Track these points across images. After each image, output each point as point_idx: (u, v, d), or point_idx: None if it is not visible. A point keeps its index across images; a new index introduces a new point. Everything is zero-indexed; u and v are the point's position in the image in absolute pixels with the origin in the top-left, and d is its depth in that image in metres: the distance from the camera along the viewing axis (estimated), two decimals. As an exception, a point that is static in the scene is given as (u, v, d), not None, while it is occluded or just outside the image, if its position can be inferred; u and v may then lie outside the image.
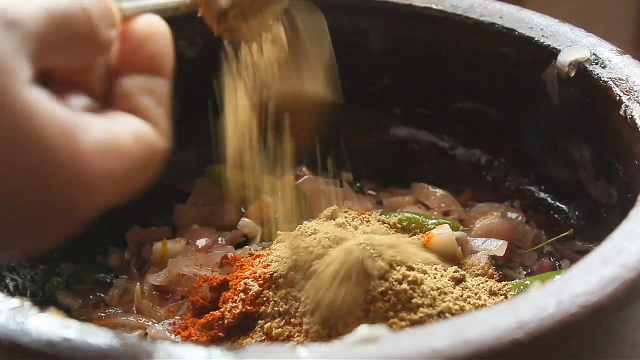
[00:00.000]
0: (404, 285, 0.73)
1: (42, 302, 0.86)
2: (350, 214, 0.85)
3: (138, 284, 0.87)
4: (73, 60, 0.54)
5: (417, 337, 0.54)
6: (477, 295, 0.78)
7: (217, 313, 0.78)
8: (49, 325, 0.56)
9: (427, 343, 0.53)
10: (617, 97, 0.79)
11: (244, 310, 0.76)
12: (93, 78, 0.56)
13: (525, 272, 0.87)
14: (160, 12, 0.66)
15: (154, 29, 0.59)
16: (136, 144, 0.53)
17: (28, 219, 0.50)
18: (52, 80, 0.53)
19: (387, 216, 0.87)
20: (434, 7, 0.93)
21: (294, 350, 0.54)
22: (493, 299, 0.79)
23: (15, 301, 0.58)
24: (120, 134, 0.53)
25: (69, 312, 0.85)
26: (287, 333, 0.73)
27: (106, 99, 0.56)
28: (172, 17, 0.93)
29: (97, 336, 0.55)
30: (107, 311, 0.85)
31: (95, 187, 0.51)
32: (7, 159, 0.48)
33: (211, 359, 0.54)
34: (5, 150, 0.48)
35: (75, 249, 0.91)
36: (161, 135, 0.57)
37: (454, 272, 0.80)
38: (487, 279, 0.82)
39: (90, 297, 0.87)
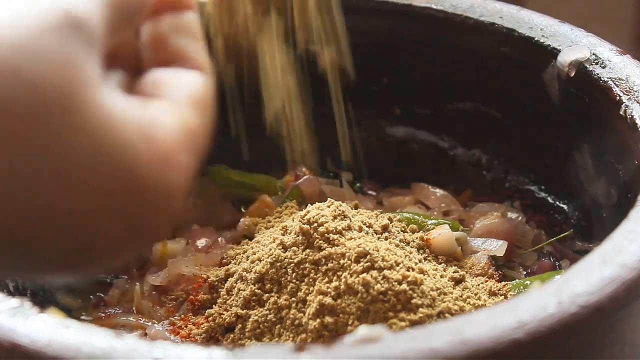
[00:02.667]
0: (404, 286, 0.72)
1: (42, 302, 0.86)
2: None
3: (138, 284, 0.87)
4: (125, 37, 0.52)
5: (417, 337, 0.54)
6: (477, 296, 0.78)
7: (214, 312, 0.78)
8: (49, 325, 0.56)
9: (427, 343, 0.53)
10: (617, 97, 0.79)
11: (241, 309, 0.76)
12: (127, 46, 0.53)
13: (525, 272, 0.87)
14: None
15: None
16: (198, 108, 0.50)
17: (121, 235, 0.46)
18: None
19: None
20: (434, 7, 0.93)
21: (294, 350, 0.54)
22: (493, 299, 0.79)
23: (15, 301, 0.58)
24: (185, 112, 0.49)
25: (69, 312, 0.85)
26: (283, 332, 0.74)
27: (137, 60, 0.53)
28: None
29: (97, 336, 0.55)
30: (107, 311, 0.85)
31: (183, 183, 0.47)
32: (98, 174, 0.44)
33: (211, 359, 0.54)
34: (96, 166, 0.44)
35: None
36: (206, 73, 0.52)
37: (454, 272, 0.80)
38: (487, 279, 0.82)
39: (90, 297, 0.87)
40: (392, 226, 0.83)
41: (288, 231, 0.79)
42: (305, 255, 0.76)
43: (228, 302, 0.79)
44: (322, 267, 0.75)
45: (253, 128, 1.02)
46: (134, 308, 0.85)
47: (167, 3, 0.53)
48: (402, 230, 0.84)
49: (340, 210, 0.79)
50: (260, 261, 0.78)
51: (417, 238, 0.83)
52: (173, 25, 0.53)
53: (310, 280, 0.75)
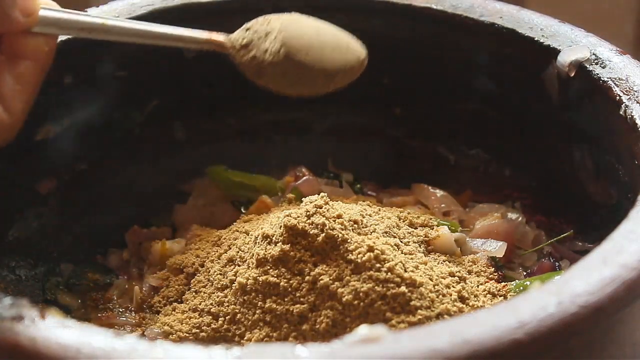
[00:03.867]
0: (402, 288, 0.72)
1: (42, 302, 0.86)
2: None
3: (137, 284, 0.87)
4: None
5: (417, 337, 0.54)
6: (477, 297, 0.78)
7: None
8: (49, 325, 0.56)
9: (427, 343, 0.53)
10: (617, 97, 0.79)
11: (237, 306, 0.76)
12: None
13: (525, 273, 0.87)
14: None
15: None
16: None
17: None
18: None
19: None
20: (434, 7, 0.93)
21: (294, 350, 0.54)
22: (492, 301, 0.78)
23: (15, 301, 0.58)
24: None
25: (69, 312, 0.85)
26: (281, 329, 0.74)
27: None
28: (172, 19, 0.94)
29: (97, 336, 0.55)
30: (107, 311, 0.85)
31: None
32: None
33: (211, 359, 0.54)
34: None
35: (75, 249, 0.91)
36: (7, 115, 0.63)
37: (453, 273, 0.80)
38: (486, 280, 0.82)
39: (91, 297, 0.87)
40: (393, 221, 0.82)
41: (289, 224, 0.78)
42: (303, 251, 0.76)
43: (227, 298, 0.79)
44: (320, 264, 0.75)
45: (253, 129, 1.03)
46: (133, 308, 0.85)
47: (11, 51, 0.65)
48: (408, 226, 0.84)
49: (342, 206, 0.79)
50: (254, 256, 0.78)
51: (422, 234, 0.83)
52: (9, 68, 0.64)
53: (309, 278, 0.74)
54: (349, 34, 0.77)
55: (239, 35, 0.75)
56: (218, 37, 0.75)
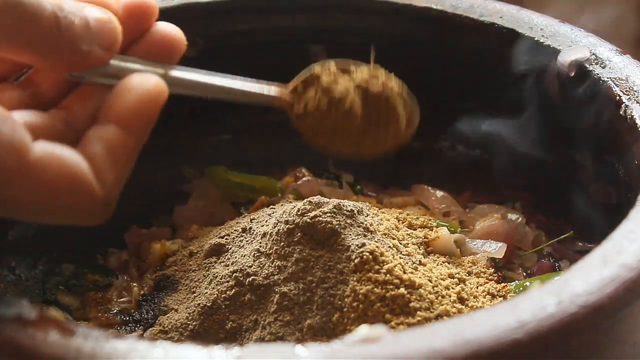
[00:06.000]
0: (402, 290, 0.72)
1: (42, 302, 0.86)
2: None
3: (136, 284, 0.87)
4: (32, 57, 0.57)
5: (417, 337, 0.54)
6: (476, 298, 0.78)
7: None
8: (48, 325, 0.56)
9: (427, 343, 0.53)
10: (617, 97, 0.79)
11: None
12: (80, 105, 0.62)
13: (525, 274, 0.87)
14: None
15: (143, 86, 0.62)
16: (58, 171, 0.56)
17: None
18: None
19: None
20: (434, 7, 0.93)
21: (294, 349, 0.54)
22: (492, 301, 0.78)
23: (15, 302, 0.58)
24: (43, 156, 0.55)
25: (69, 312, 0.85)
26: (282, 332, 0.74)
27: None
28: (172, 19, 0.94)
29: (97, 336, 0.55)
30: (106, 311, 0.85)
31: None
32: None
33: (211, 359, 0.54)
34: None
35: (75, 249, 0.91)
36: (99, 184, 0.58)
37: (453, 274, 0.80)
38: (486, 281, 0.82)
39: (90, 297, 0.87)
40: (392, 223, 0.82)
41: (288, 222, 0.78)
42: (303, 251, 0.76)
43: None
44: (319, 266, 0.75)
45: (253, 129, 1.03)
46: (132, 308, 0.85)
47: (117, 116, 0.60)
48: (407, 227, 0.84)
49: (342, 207, 0.79)
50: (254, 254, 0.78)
51: (421, 235, 0.83)
52: (104, 135, 0.59)
53: (310, 279, 0.74)
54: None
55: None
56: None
